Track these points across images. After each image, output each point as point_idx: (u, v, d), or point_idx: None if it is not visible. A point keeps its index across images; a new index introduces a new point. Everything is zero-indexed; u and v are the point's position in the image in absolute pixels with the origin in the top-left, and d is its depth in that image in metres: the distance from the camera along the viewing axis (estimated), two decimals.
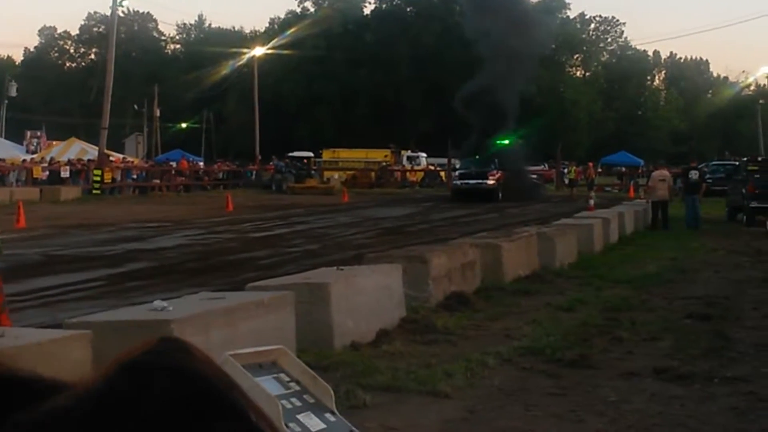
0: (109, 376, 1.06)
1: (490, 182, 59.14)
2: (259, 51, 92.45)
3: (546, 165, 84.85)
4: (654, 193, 36.13)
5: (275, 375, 3.80)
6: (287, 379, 3.83)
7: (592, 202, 36.82)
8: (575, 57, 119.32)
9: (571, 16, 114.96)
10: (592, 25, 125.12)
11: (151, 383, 1.04)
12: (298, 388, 3.82)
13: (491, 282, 18.26)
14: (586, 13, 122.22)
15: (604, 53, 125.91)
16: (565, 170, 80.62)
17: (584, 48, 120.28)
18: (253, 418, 1.05)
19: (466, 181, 59.78)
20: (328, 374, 10.28)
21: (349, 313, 12.82)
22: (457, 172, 63.40)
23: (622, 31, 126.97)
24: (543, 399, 10.18)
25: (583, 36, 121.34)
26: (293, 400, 3.72)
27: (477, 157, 63.24)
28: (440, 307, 15.47)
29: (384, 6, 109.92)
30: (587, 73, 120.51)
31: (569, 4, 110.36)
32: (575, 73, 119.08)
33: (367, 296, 13.45)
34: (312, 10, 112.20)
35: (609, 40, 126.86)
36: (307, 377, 3.79)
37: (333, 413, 3.38)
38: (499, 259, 18.92)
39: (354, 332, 12.80)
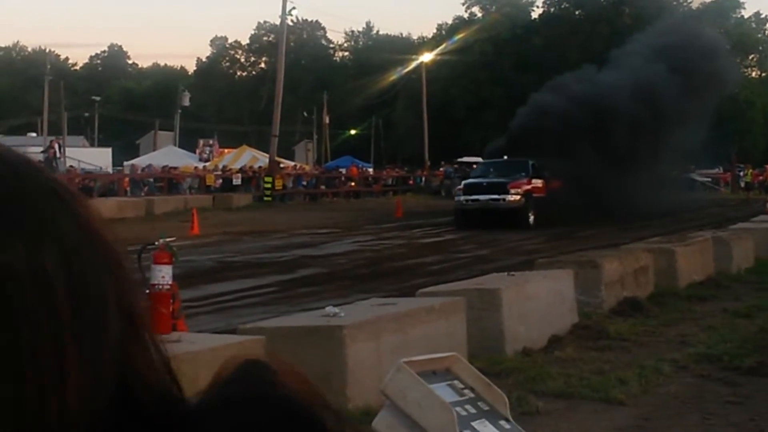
0: (197, 403, 1.06)
1: (512, 198, 39.22)
2: (427, 57, 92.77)
3: (721, 168, 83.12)
4: None
5: (449, 382, 3.76)
6: (461, 386, 3.78)
7: None
8: (750, 57, 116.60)
9: (746, 16, 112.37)
10: None
11: (235, 415, 1.04)
12: (472, 395, 3.77)
13: (665, 287, 17.91)
14: (761, 12, 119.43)
15: None
16: (741, 173, 78.92)
17: (760, 48, 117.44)
18: None
19: (474, 197, 39.63)
20: (500, 380, 10.21)
21: (521, 319, 12.72)
22: (462, 183, 43.23)
23: None
24: (720, 407, 9.93)
25: (759, 35, 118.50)
26: (467, 407, 3.66)
27: (505, 157, 43.33)
28: (613, 313, 15.26)
29: (552, 10, 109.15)
30: (763, 74, 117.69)
31: (743, 3, 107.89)
32: (750, 74, 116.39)
33: (538, 302, 13.33)
34: (479, 15, 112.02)
35: None
36: (481, 384, 3.73)
37: (507, 420, 3.30)
38: (674, 264, 18.55)
39: (525, 338, 12.69)
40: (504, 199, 39.13)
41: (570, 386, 10.46)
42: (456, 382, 3.78)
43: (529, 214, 39.15)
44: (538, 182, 40.97)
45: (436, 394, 3.46)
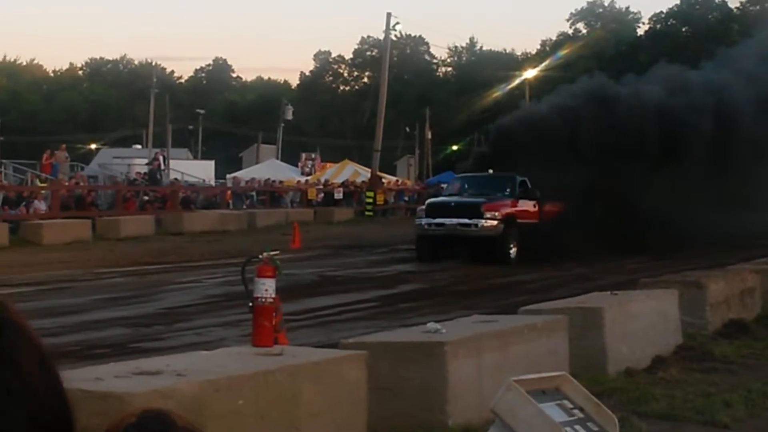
0: None
1: (488, 223, 30.56)
2: (530, 73, 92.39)
3: None
4: None
5: (558, 402, 3.71)
6: (570, 406, 3.73)
7: None
8: None
9: None
10: None
11: None
12: (581, 415, 3.72)
13: None
14: None
15: None
16: None
17: None
18: None
19: (439, 221, 31.07)
20: (602, 400, 10.05)
21: (623, 339, 12.58)
22: (426, 203, 33.97)
23: None
24: None
25: None
26: (577, 427, 3.61)
27: (490, 171, 34.51)
28: (718, 335, 15.01)
29: (658, 26, 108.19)
30: None
31: None
32: None
33: (641, 322, 13.18)
34: (584, 31, 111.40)
35: None
36: (591, 405, 3.67)
37: None
38: None
39: (628, 358, 12.55)
40: (476, 225, 30.60)
41: (674, 408, 10.31)
42: (565, 401, 3.73)
43: (511, 245, 30.77)
44: (527, 204, 32.33)
45: (546, 413, 3.41)
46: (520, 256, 30.39)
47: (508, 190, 32.50)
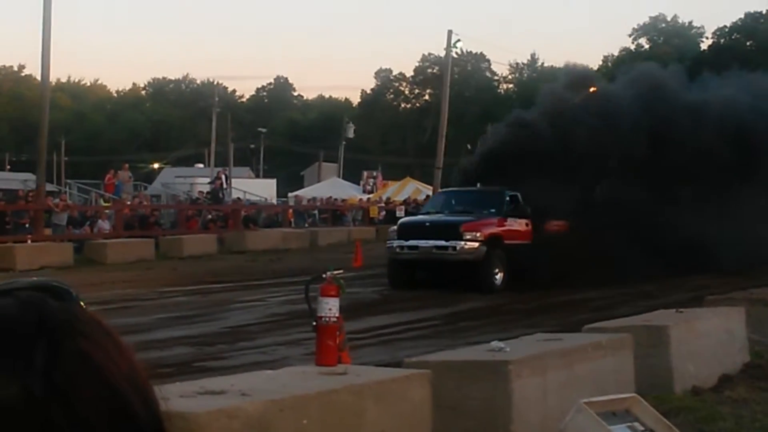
0: None
1: (468, 245, 26.93)
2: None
3: None
4: None
5: (629, 424, 3.67)
6: (641, 428, 3.69)
7: None
8: None
9: None
10: None
11: None
12: None
13: None
14: None
15: None
16: None
17: None
18: None
19: (412, 243, 27.53)
20: (669, 420, 9.95)
21: (690, 357, 12.46)
22: (399, 223, 30.17)
23: None
24: None
25: None
26: None
27: (478, 185, 30.36)
28: None
29: (722, 41, 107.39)
30: None
31: None
32: None
33: (708, 340, 13.05)
34: (646, 46, 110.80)
35: None
36: (662, 427, 3.61)
37: None
38: None
39: (695, 377, 12.43)
40: (454, 248, 26.95)
41: (742, 427, 10.20)
42: (636, 423, 3.69)
43: (495, 271, 27.19)
44: (517, 223, 28.80)
45: None
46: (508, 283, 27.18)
47: (495, 207, 28.82)
